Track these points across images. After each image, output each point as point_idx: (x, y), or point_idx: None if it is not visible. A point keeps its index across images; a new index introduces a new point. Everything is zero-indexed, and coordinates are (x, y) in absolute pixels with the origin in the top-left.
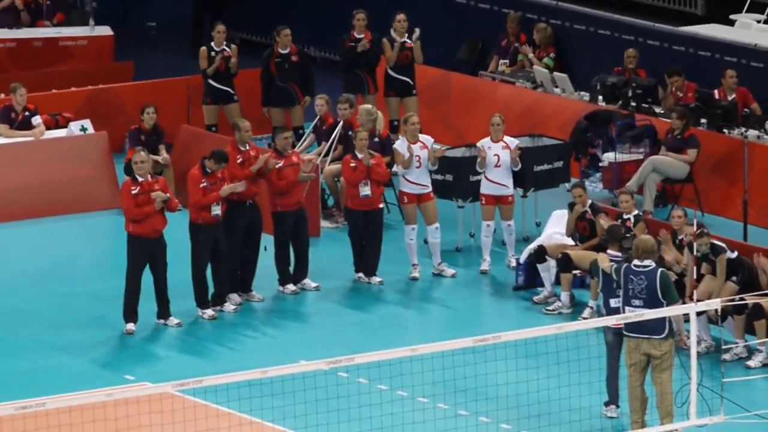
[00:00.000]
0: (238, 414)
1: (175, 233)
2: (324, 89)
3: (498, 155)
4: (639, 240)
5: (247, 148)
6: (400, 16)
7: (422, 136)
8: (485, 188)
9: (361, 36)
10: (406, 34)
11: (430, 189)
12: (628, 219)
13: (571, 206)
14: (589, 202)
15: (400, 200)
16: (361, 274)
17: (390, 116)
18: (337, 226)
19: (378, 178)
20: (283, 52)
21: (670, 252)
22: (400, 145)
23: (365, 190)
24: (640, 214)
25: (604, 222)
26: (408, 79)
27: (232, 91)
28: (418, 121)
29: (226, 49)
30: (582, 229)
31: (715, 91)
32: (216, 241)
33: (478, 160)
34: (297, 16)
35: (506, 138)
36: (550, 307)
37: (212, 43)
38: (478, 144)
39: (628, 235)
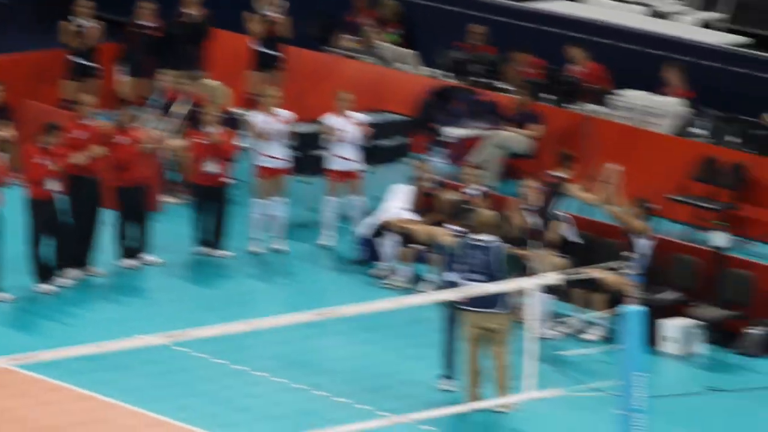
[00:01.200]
0: (75, 388)
1: (16, 207)
2: (169, 65)
3: (347, 131)
4: (479, 214)
5: (87, 122)
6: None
7: (280, 111)
8: (333, 164)
9: (192, 11)
10: (268, 8)
11: (285, 163)
12: (471, 194)
13: (413, 180)
14: (432, 176)
15: (255, 174)
16: (203, 248)
17: (252, 90)
18: (180, 201)
19: (222, 153)
20: (145, 23)
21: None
22: (256, 117)
23: (212, 166)
24: (483, 189)
25: (446, 196)
26: (273, 52)
27: (94, 66)
28: (276, 95)
29: (90, 24)
30: (424, 203)
31: (567, 67)
32: (53, 215)
33: (326, 136)
34: None
35: (354, 114)
36: (389, 281)
37: (76, 18)
38: (324, 119)
39: (469, 209)
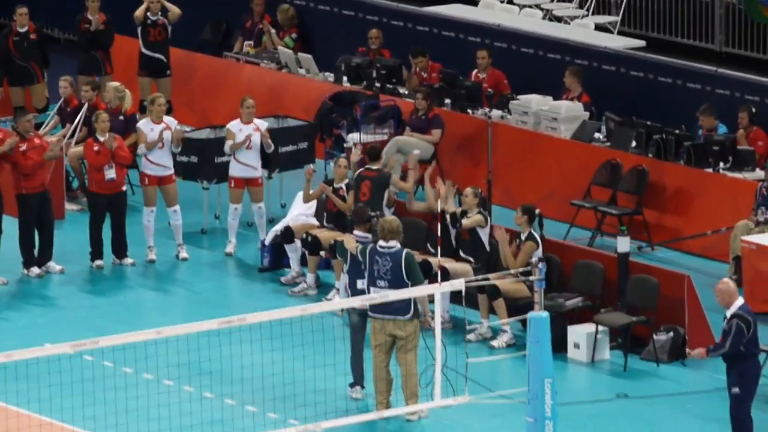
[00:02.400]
0: None
1: None
2: (68, 71)
3: (249, 137)
4: (384, 221)
5: None
6: None
7: (166, 118)
8: (234, 171)
9: (94, 17)
10: (159, 13)
11: (172, 171)
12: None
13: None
14: (346, 181)
15: (141, 182)
16: (100, 261)
17: (141, 95)
18: (82, 208)
19: (121, 161)
20: (21, 30)
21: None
22: (144, 125)
23: (110, 174)
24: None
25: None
26: (162, 57)
27: None
28: (164, 102)
29: None
30: (331, 207)
31: (472, 73)
32: None
33: (230, 143)
34: None
35: (256, 120)
36: (295, 289)
37: None
38: (228, 126)
39: (374, 216)
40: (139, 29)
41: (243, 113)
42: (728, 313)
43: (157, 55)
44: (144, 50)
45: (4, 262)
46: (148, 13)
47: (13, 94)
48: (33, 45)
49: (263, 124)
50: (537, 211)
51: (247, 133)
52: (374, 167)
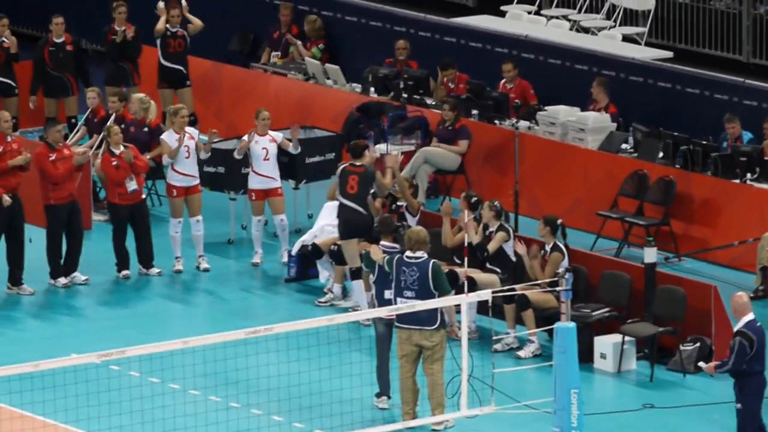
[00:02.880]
0: (8, 408)
1: None
2: (95, 82)
3: (266, 149)
4: (411, 231)
5: (9, 140)
6: (174, 12)
7: (189, 129)
8: (253, 183)
9: (122, 28)
10: (179, 25)
11: (198, 181)
12: (401, 206)
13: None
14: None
15: (168, 193)
16: (126, 272)
17: (164, 107)
18: (109, 218)
19: (140, 170)
20: (57, 41)
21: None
22: (167, 136)
23: (132, 185)
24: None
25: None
26: (181, 68)
27: (13, 84)
28: (187, 113)
29: (5, 40)
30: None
31: (500, 83)
32: None
33: (239, 147)
34: (67, 8)
35: (271, 132)
36: (322, 299)
37: None
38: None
39: (401, 226)
40: (158, 41)
41: (258, 125)
42: (735, 329)
43: (176, 67)
44: (163, 62)
45: (31, 273)
46: (168, 25)
47: (47, 105)
48: (68, 56)
49: (278, 135)
50: (559, 221)
51: (264, 144)
52: (358, 163)
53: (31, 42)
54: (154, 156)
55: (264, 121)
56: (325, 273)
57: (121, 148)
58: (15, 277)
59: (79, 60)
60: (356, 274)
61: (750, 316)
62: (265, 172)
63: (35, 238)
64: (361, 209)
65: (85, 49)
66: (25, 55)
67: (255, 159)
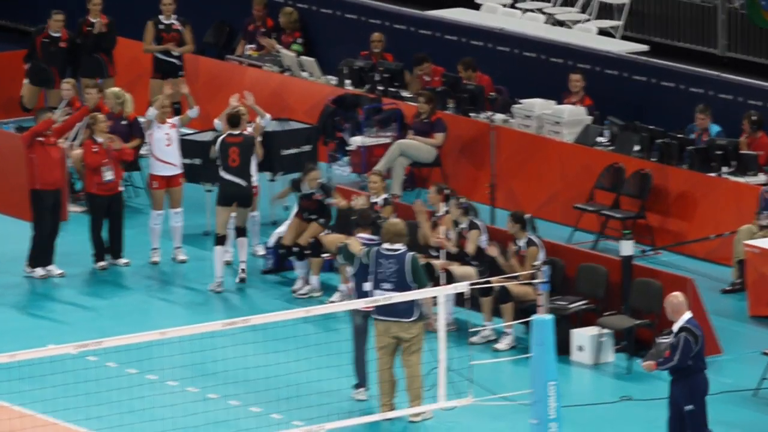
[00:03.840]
0: None
1: None
2: (70, 74)
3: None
4: (389, 223)
5: None
6: (167, 1)
7: (171, 119)
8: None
9: (96, 20)
10: (173, 16)
11: (180, 171)
12: (376, 202)
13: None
14: (321, 181)
15: (150, 185)
16: (103, 263)
17: (151, 97)
18: (85, 210)
19: (125, 157)
20: (53, 34)
21: (422, 225)
22: (149, 114)
23: (108, 175)
24: (389, 197)
25: (336, 202)
26: (175, 60)
27: None
28: (168, 104)
29: None
30: (308, 206)
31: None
32: None
33: (213, 147)
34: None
35: (249, 129)
36: (300, 291)
37: None
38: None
39: (379, 218)
40: (153, 33)
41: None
42: (675, 327)
43: (170, 59)
44: (157, 54)
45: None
46: (161, 17)
47: (27, 90)
48: (59, 51)
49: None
50: (527, 216)
51: None
52: (236, 132)
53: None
54: (133, 148)
55: (242, 117)
56: (297, 262)
57: (105, 137)
58: None
59: (73, 55)
60: (219, 240)
61: (689, 314)
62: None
63: (8, 228)
64: (242, 182)
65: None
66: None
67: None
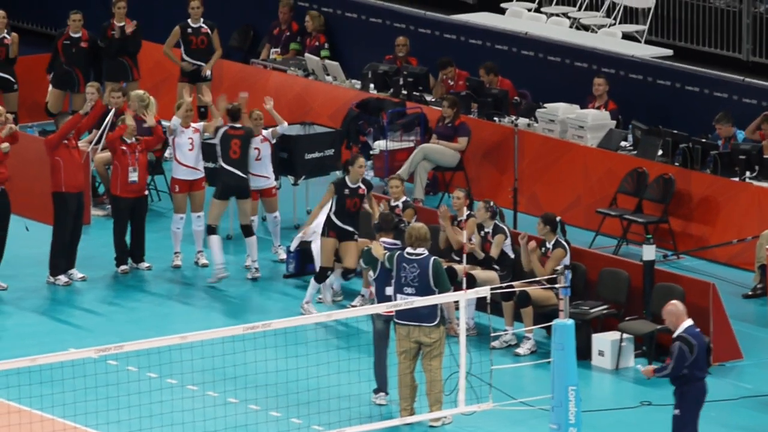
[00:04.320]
0: (6, 402)
1: None
2: (95, 77)
3: (258, 149)
4: (412, 228)
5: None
6: (194, 3)
7: (195, 123)
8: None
9: (122, 24)
10: (201, 20)
11: (202, 175)
12: (397, 206)
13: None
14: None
15: (171, 189)
16: (125, 267)
17: (178, 99)
18: (107, 213)
19: (144, 165)
20: (73, 35)
21: (448, 230)
22: (174, 122)
23: (133, 176)
24: (409, 200)
25: (369, 207)
26: (202, 64)
27: (12, 79)
28: (191, 107)
29: (6, 36)
30: (351, 206)
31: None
32: None
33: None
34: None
35: (264, 132)
36: (321, 296)
37: None
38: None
39: (401, 223)
40: (180, 37)
41: (252, 125)
42: (674, 335)
43: (197, 62)
44: (185, 57)
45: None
46: (189, 21)
47: (52, 96)
48: (81, 52)
49: (269, 133)
50: (558, 219)
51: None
52: (237, 125)
53: (32, 37)
54: (155, 150)
55: (256, 120)
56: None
57: (133, 138)
58: None
59: (95, 56)
60: (212, 230)
61: (688, 322)
62: (258, 172)
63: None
64: (241, 174)
65: (102, 44)
66: (24, 51)
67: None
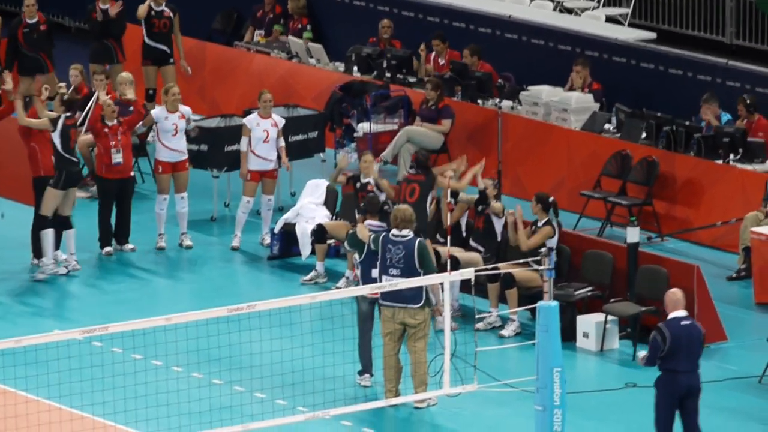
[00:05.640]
0: None
1: None
2: (79, 59)
3: (267, 131)
4: (397, 209)
5: None
6: None
7: (181, 107)
8: (252, 164)
9: (106, 6)
10: (164, 3)
11: (186, 156)
12: (369, 182)
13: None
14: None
15: (155, 170)
16: (109, 248)
17: (147, 85)
18: (91, 196)
19: (128, 147)
20: (30, 21)
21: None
22: (158, 113)
23: (117, 157)
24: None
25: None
26: (165, 47)
27: None
28: (178, 91)
29: None
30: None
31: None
32: None
33: (246, 139)
34: None
35: (274, 116)
36: (306, 277)
37: None
38: (245, 121)
39: (387, 205)
40: (143, 20)
41: (261, 107)
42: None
43: (160, 47)
44: (147, 41)
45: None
46: (152, 4)
47: (22, 83)
48: (42, 35)
49: (281, 120)
50: (551, 199)
51: (264, 126)
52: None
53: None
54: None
55: (266, 103)
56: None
57: (115, 121)
58: None
59: (52, 38)
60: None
61: (678, 313)
62: (263, 154)
63: (18, 214)
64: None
65: (68, 27)
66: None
67: (255, 141)
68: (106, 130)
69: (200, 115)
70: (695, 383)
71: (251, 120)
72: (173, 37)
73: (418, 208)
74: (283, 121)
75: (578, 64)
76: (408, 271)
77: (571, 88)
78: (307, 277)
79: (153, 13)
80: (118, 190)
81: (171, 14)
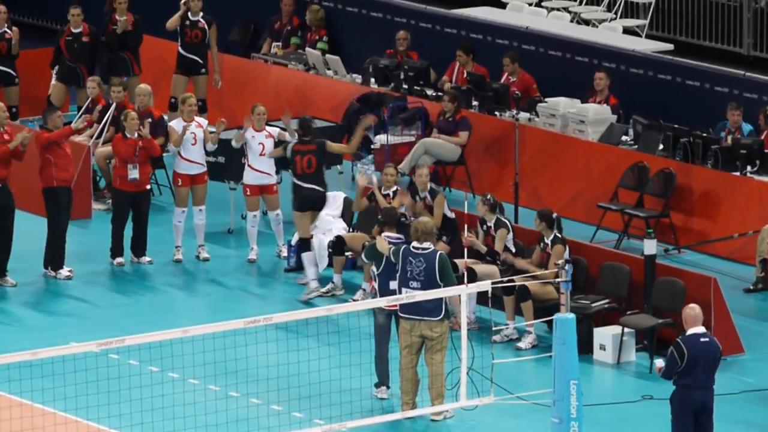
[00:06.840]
0: (7, 396)
1: None
2: (96, 71)
3: (263, 144)
4: (418, 222)
5: (2, 130)
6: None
7: (198, 118)
8: (249, 178)
9: (123, 18)
10: (200, 14)
11: (205, 169)
12: (388, 194)
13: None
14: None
15: (174, 182)
16: (120, 259)
17: (173, 93)
18: (108, 208)
19: (153, 153)
20: (74, 31)
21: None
22: (176, 124)
23: (133, 173)
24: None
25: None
26: (197, 58)
27: (13, 73)
28: (195, 102)
29: (8, 31)
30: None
31: (504, 75)
32: None
33: (235, 137)
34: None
35: (268, 128)
36: (323, 289)
37: None
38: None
39: (405, 215)
40: (178, 29)
41: (254, 120)
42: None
43: (191, 56)
44: (180, 51)
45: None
46: (189, 14)
47: (55, 89)
48: (84, 47)
49: (275, 131)
50: (554, 215)
51: (259, 139)
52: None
53: (33, 32)
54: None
55: (259, 116)
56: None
57: (136, 134)
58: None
59: (94, 51)
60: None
61: (696, 329)
62: (260, 168)
63: (28, 226)
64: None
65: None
66: (25, 45)
67: (251, 154)
68: (126, 143)
69: (224, 128)
70: (709, 400)
71: (245, 128)
72: (209, 48)
73: (317, 179)
74: (278, 131)
75: (602, 71)
76: (428, 284)
77: (593, 92)
78: (324, 289)
79: (187, 22)
80: (133, 202)
81: (206, 25)
